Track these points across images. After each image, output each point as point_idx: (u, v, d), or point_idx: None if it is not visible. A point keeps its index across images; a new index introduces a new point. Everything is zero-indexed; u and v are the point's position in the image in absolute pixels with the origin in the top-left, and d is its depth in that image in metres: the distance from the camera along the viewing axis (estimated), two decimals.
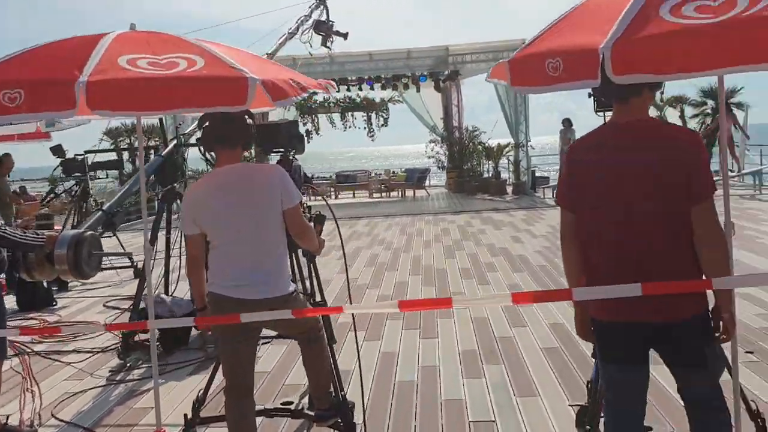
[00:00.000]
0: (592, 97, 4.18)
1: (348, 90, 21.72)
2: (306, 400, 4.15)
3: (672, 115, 20.99)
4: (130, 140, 30.47)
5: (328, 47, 13.06)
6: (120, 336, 5.99)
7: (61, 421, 4.59)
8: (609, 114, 3.04)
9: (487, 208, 16.34)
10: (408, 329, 6.25)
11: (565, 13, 3.10)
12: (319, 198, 4.02)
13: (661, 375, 3.64)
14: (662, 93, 21.50)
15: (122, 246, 10.10)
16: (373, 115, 22.85)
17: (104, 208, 6.61)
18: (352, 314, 4.25)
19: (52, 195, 12.57)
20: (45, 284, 7.91)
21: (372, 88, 21.63)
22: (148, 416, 4.53)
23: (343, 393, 3.92)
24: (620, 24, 2.53)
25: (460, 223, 13.88)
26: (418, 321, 6.44)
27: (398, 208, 17.79)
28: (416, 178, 21.91)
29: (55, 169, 11.74)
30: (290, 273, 3.50)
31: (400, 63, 20.97)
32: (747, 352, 5.13)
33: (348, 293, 4.22)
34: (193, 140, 6.82)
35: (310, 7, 12.39)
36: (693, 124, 20.70)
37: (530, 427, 4.08)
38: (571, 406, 4.20)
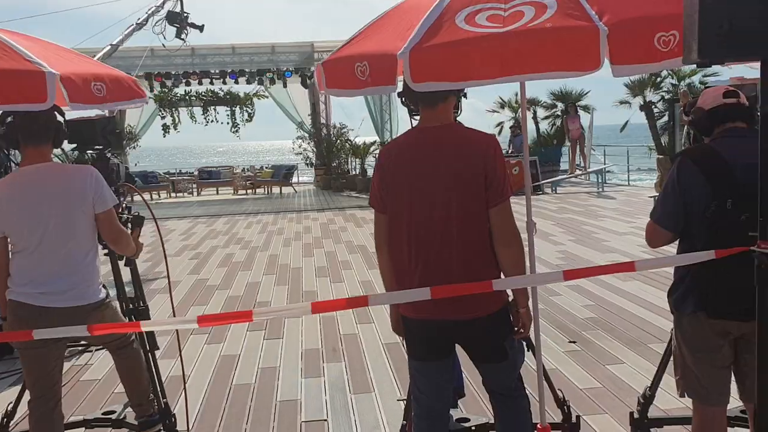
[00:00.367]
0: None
1: (211, 83, 21.16)
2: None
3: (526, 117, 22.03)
4: None
5: (183, 39, 12.64)
6: None
7: None
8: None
9: (351, 206, 16.47)
10: (253, 330, 6.15)
11: (379, 16, 3.14)
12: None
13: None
14: (516, 95, 22.63)
15: None
16: (237, 110, 22.39)
17: None
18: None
19: None
20: None
21: (236, 82, 21.22)
22: None
23: (164, 400, 3.78)
24: (419, 31, 2.60)
25: (323, 221, 13.89)
26: (265, 322, 6.36)
27: (263, 206, 17.54)
28: (282, 174, 21.68)
29: None
30: (100, 279, 3.32)
31: (265, 58, 20.70)
32: (570, 341, 5.48)
33: (170, 299, 4.07)
34: None
35: None
36: (545, 126, 21.90)
37: (361, 424, 4.14)
38: (400, 400, 4.29)
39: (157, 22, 12.10)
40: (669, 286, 2.88)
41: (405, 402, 4.02)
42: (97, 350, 5.46)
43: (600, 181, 17.64)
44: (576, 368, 4.89)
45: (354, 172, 21.20)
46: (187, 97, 22.25)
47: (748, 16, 1.83)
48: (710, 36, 1.89)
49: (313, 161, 21.94)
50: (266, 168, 23.02)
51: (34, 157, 3.18)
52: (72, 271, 3.16)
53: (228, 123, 22.54)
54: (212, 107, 22.49)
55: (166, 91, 21.71)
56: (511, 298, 2.85)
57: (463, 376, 3.78)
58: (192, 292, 7.93)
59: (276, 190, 21.63)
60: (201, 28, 12.83)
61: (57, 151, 3.70)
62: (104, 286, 3.34)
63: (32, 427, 3.27)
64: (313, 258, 9.79)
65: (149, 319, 4.00)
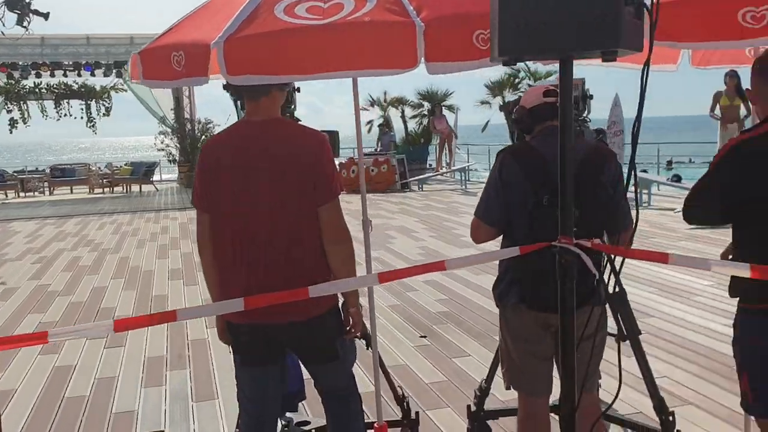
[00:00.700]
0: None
1: (65, 75, 19.82)
2: None
3: (394, 116, 22.45)
4: None
5: (25, 27, 11.68)
6: None
7: None
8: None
9: None
10: (93, 339, 5.75)
11: (204, 2, 2.98)
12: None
13: None
14: (385, 93, 22.94)
15: None
16: (93, 104, 21.10)
17: None
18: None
19: None
20: None
21: (92, 74, 20.00)
22: None
23: None
24: (235, 20, 2.47)
25: (183, 220, 13.35)
26: None
27: (119, 205, 16.64)
28: (142, 172, 20.67)
29: None
30: None
31: (123, 49, 19.59)
32: (421, 336, 5.55)
33: None
34: None
35: None
36: (413, 125, 22.31)
37: None
38: None
39: None
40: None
41: None
42: None
43: (463, 178, 18.20)
44: (424, 363, 4.95)
45: None
46: (37, 90, 20.69)
47: (545, 13, 1.85)
48: (509, 34, 1.91)
49: (177, 158, 21.07)
50: (124, 165, 21.86)
51: None
52: None
53: (83, 118, 21.19)
54: (65, 101, 21.05)
55: (13, 83, 20.09)
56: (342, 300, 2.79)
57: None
58: (30, 299, 7.33)
59: (136, 188, 20.59)
60: (46, 16, 11.91)
61: None
62: None
63: None
64: (168, 260, 9.35)
65: None
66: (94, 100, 21.11)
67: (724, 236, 7.82)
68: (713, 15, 2.40)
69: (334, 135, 3.22)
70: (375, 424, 3.39)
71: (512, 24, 1.89)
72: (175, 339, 5.72)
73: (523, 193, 2.72)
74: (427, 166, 21.03)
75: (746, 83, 2.50)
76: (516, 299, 2.80)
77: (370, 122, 22.97)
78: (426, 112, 21.83)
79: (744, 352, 2.42)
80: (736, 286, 2.44)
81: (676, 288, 6.60)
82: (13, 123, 20.68)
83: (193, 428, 4.02)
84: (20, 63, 18.96)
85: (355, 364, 2.96)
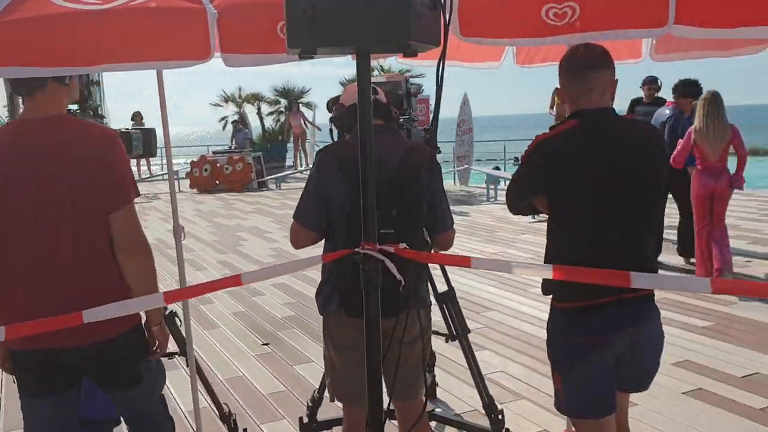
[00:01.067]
0: None
1: None
2: None
3: (251, 112, 21.87)
4: None
5: None
6: None
7: None
8: None
9: None
10: None
11: None
12: None
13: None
14: (240, 90, 22.32)
15: None
16: None
17: None
18: None
19: None
20: None
21: None
22: None
23: None
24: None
25: None
26: None
27: None
28: None
29: None
30: None
31: None
32: (263, 344, 5.31)
33: None
34: None
35: None
36: (270, 121, 21.85)
37: None
38: None
39: None
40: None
41: None
42: None
43: None
44: (264, 373, 4.72)
45: None
46: None
47: (334, 3, 1.70)
48: (298, 24, 1.74)
49: None
50: None
51: None
52: None
53: None
54: None
55: None
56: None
57: None
58: None
59: None
60: None
61: None
62: None
63: None
64: None
65: None
66: None
67: None
68: (518, 11, 2.37)
69: (129, 135, 2.91)
70: None
71: (300, 14, 1.72)
72: None
73: (342, 195, 2.57)
74: (287, 164, 20.69)
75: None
76: (336, 307, 2.65)
77: (224, 119, 22.23)
78: (283, 109, 21.46)
79: (555, 352, 2.42)
80: (547, 284, 2.43)
81: (514, 280, 6.78)
82: None
83: None
84: None
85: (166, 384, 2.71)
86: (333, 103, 2.90)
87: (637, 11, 2.31)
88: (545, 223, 2.42)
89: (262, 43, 2.23)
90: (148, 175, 19.47)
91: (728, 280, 5.81)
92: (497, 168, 16.78)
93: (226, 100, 22.32)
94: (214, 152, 18.73)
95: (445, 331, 3.42)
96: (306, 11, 1.71)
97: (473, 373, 3.35)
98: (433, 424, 3.64)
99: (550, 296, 2.45)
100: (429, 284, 3.50)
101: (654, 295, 2.40)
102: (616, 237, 2.26)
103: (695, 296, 5.90)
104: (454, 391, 4.19)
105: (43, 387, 2.45)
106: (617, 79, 2.29)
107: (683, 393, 4.07)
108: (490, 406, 3.30)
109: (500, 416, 3.30)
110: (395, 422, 2.88)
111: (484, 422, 3.39)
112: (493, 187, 13.06)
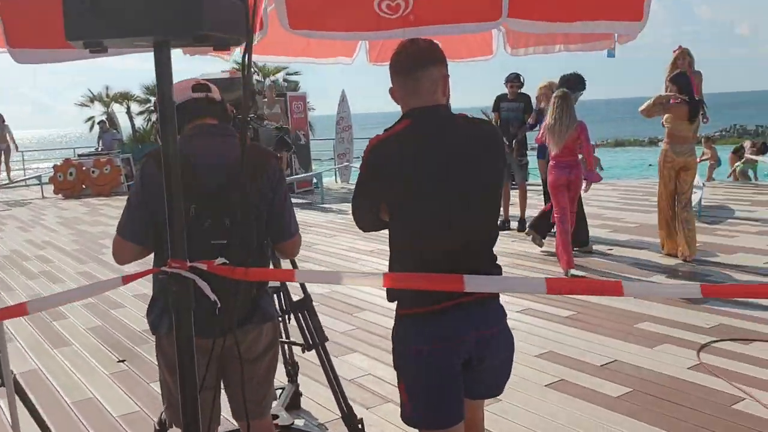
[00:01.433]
0: None
1: None
2: None
3: (119, 111, 20.77)
4: None
5: None
6: None
7: None
8: None
9: None
10: None
11: None
12: None
13: None
14: (108, 88, 21.17)
15: None
16: None
17: None
18: None
19: None
20: None
21: None
22: None
23: None
24: None
25: None
26: None
27: None
28: None
29: None
30: None
31: None
32: (119, 361, 4.93)
33: None
34: None
35: None
36: (140, 121, 20.86)
37: None
38: None
39: None
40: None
41: None
42: None
43: None
44: (117, 392, 4.36)
45: None
46: None
47: None
48: (76, 11, 1.51)
49: None
50: None
51: None
52: None
53: None
54: None
55: None
56: None
57: None
58: None
59: None
60: None
61: None
62: None
63: None
64: None
65: None
66: None
67: None
68: (351, 2, 2.23)
69: None
70: None
71: (78, 2, 1.50)
72: None
73: None
74: None
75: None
76: (168, 326, 2.42)
77: (90, 119, 21.00)
78: (153, 107, 20.53)
79: (400, 360, 2.32)
80: (391, 292, 2.32)
81: None
82: None
83: None
84: None
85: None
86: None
87: (471, 4, 2.23)
88: None
89: (52, 37, 1.95)
90: (7, 182, 18.07)
91: (564, 278, 6.05)
92: None
93: (92, 99, 21.08)
94: (79, 155, 17.63)
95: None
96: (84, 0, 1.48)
97: (331, 384, 3.22)
98: None
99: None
100: (282, 294, 3.33)
101: (499, 296, 2.34)
102: (455, 237, 2.17)
103: None
104: (320, 399, 4.03)
105: None
106: (448, 75, 2.20)
107: (545, 385, 4.12)
108: (349, 416, 3.17)
109: (360, 426, 3.18)
110: None
111: None
112: None
